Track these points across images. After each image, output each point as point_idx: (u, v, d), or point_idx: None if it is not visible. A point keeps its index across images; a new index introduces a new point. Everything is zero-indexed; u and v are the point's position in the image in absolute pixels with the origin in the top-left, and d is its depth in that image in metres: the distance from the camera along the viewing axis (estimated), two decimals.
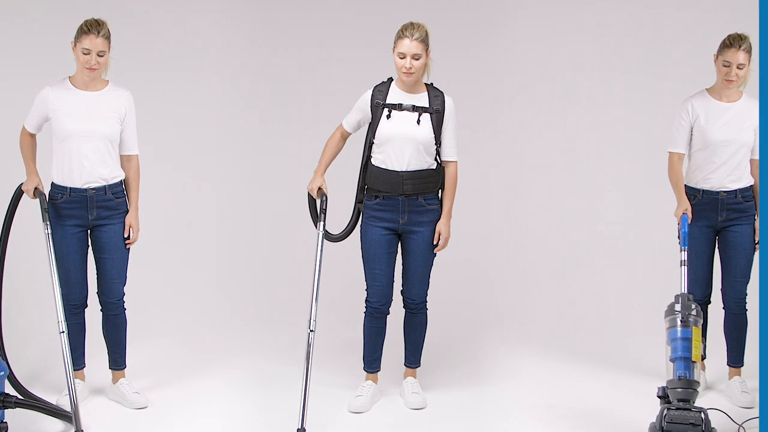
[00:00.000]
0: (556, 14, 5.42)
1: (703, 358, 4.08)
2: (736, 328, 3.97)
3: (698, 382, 3.37)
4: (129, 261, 3.83)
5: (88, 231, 3.76)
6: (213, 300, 5.19)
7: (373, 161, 3.79)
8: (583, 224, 5.39)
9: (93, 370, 3.97)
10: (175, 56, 5.29)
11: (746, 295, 3.94)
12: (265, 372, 4.28)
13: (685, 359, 3.37)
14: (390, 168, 3.74)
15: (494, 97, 5.44)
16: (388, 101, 3.74)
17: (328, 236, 3.84)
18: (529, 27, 5.44)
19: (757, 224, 3.90)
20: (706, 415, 3.24)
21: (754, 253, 3.92)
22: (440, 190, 3.85)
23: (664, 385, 3.40)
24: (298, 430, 3.41)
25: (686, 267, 3.71)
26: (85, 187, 3.68)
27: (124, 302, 3.86)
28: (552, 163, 5.45)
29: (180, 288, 5.16)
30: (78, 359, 3.80)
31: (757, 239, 3.90)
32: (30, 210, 3.75)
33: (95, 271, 3.82)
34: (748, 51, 3.77)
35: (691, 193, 3.93)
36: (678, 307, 3.47)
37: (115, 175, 3.75)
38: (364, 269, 3.84)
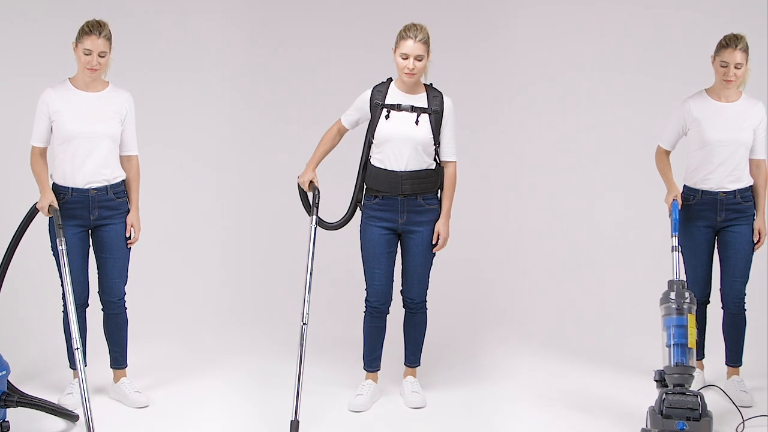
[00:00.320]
0: (556, 14, 5.41)
1: (702, 357, 4.13)
2: (735, 328, 3.98)
3: (693, 368, 3.48)
4: (130, 260, 3.85)
5: (90, 231, 3.78)
6: (214, 299, 5.20)
7: (372, 161, 3.80)
8: (583, 224, 5.40)
9: (94, 370, 3.97)
10: (175, 56, 5.29)
11: (745, 295, 3.95)
12: (265, 371, 4.29)
13: (681, 345, 3.47)
14: (389, 168, 3.75)
15: (494, 97, 5.43)
16: (387, 101, 3.75)
17: (323, 224, 3.85)
18: (529, 27, 5.43)
19: (756, 224, 3.91)
20: (703, 399, 3.38)
21: (752, 254, 3.93)
22: (439, 190, 3.86)
23: (661, 369, 3.50)
24: (291, 421, 3.44)
25: (678, 252, 3.79)
26: (87, 187, 3.69)
27: (125, 301, 3.87)
28: (552, 163, 5.45)
29: (181, 287, 5.17)
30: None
31: (755, 239, 3.91)
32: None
33: (96, 271, 3.83)
34: (745, 50, 3.78)
35: (690, 193, 3.94)
36: (673, 295, 3.57)
37: (117, 175, 3.76)
38: (364, 269, 3.85)
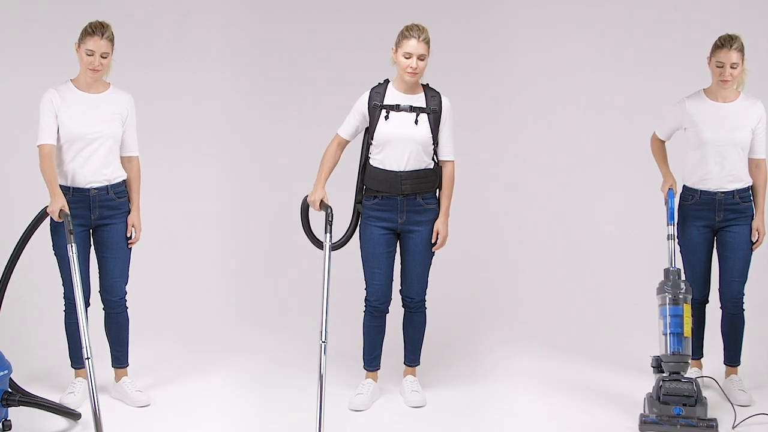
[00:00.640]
0: (556, 14, 5.42)
1: (701, 357, 4.14)
2: (733, 327, 3.99)
3: (689, 355, 3.65)
4: (131, 260, 3.86)
5: (91, 230, 3.79)
6: (214, 299, 5.21)
7: (371, 162, 3.81)
8: (583, 224, 5.41)
9: (96, 369, 3.97)
10: (174, 57, 5.30)
11: (743, 295, 3.95)
12: (265, 370, 4.30)
13: (677, 335, 3.64)
14: (388, 168, 3.76)
15: (494, 97, 5.44)
16: (385, 102, 3.76)
17: (318, 243, 3.82)
18: (529, 27, 5.44)
19: (754, 224, 3.92)
20: (698, 385, 3.58)
21: (751, 254, 3.94)
22: (437, 190, 3.87)
23: (658, 355, 3.69)
24: None
25: (674, 241, 3.88)
26: (88, 187, 3.71)
27: (126, 301, 3.89)
28: (551, 163, 5.45)
29: (181, 287, 5.18)
30: (81, 358, 3.81)
31: (754, 239, 3.93)
32: (35, 212, 3.76)
33: (97, 270, 3.85)
34: (740, 50, 3.79)
35: (689, 193, 3.96)
36: (669, 284, 3.71)
37: (118, 175, 3.78)
38: (364, 269, 3.86)
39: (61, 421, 3.59)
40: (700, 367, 4.13)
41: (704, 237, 3.95)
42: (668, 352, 3.63)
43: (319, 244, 3.82)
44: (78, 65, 3.70)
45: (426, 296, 3.95)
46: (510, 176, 5.47)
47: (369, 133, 3.81)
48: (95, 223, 3.76)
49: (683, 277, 3.84)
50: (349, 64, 5.32)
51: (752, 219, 3.92)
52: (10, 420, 3.46)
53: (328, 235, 3.65)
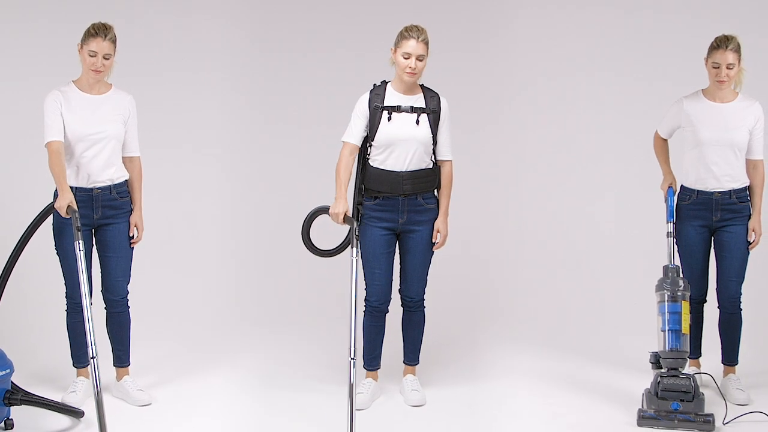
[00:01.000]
0: (556, 14, 5.42)
1: (699, 356, 4.16)
2: (731, 327, 4.01)
3: (687, 352, 3.71)
4: (133, 259, 3.88)
5: (93, 230, 3.81)
6: (216, 298, 5.22)
7: (372, 162, 3.82)
8: (582, 223, 5.41)
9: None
10: (175, 57, 5.29)
11: (740, 294, 3.97)
12: (266, 370, 4.31)
13: (676, 331, 3.69)
14: (390, 169, 3.78)
15: (494, 97, 5.44)
16: (386, 104, 3.77)
17: (319, 253, 3.83)
18: (529, 27, 5.44)
19: (750, 224, 3.93)
20: (695, 381, 3.65)
21: (748, 254, 3.95)
22: (436, 190, 3.89)
23: (656, 351, 3.73)
24: None
25: (672, 239, 3.91)
26: (91, 186, 3.73)
27: (128, 300, 3.91)
28: (551, 163, 5.46)
29: (183, 286, 5.19)
30: (83, 357, 3.84)
31: (750, 240, 3.94)
32: (36, 212, 3.78)
33: (99, 270, 3.87)
34: (737, 51, 3.80)
35: (686, 193, 3.97)
36: (667, 282, 3.76)
37: (120, 175, 3.80)
38: (364, 269, 3.86)
39: (63, 420, 3.60)
40: (698, 366, 4.14)
41: (701, 237, 3.96)
42: (666, 348, 3.68)
43: (317, 252, 3.83)
44: (80, 66, 3.72)
45: (425, 296, 3.97)
46: (510, 176, 5.47)
47: (369, 134, 3.82)
48: (98, 223, 3.78)
49: (681, 275, 3.87)
50: (349, 64, 5.32)
51: (749, 219, 3.93)
52: (12, 419, 3.48)
53: (355, 249, 3.54)
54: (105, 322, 3.91)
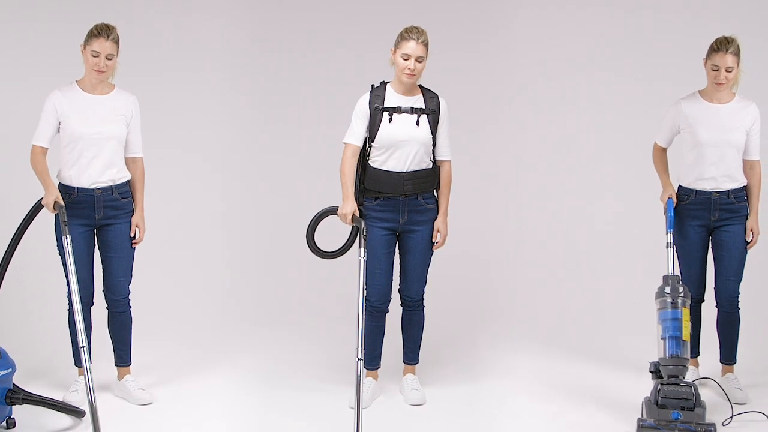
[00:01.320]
0: (556, 14, 5.42)
1: (697, 355, 4.16)
2: (729, 326, 4.02)
3: (687, 359, 3.58)
4: (134, 260, 3.89)
5: (95, 230, 3.82)
6: (217, 298, 5.22)
7: (372, 163, 3.83)
8: (582, 224, 5.41)
9: (99, 367, 3.98)
10: (175, 57, 5.29)
11: (739, 293, 3.98)
12: (267, 369, 4.33)
13: (676, 338, 3.57)
14: (390, 169, 3.79)
15: (494, 97, 5.44)
16: (386, 105, 3.79)
17: (322, 254, 3.85)
18: (529, 27, 5.44)
19: (748, 223, 3.94)
20: (696, 389, 3.50)
21: (746, 253, 3.96)
22: (435, 190, 3.89)
23: (656, 360, 3.60)
24: None
25: (672, 249, 3.86)
26: (92, 187, 3.74)
27: (129, 300, 3.92)
28: (551, 163, 5.46)
29: (184, 286, 5.19)
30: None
31: (748, 239, 3.95)
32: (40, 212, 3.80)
33: (101, 270, 3.88)
34: (736, 54, 3.81)
35: (684, 193, 3.98)
36: (668, 289, 3.66)
37: (122, 175, 3.81)
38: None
39: (64, 419, 3.62)
40: (696, 365, 4.15)
41: (700, 236, 3.98)
42: (666, 355, 3.56)
43: (321, 254, 3.84)
44: (82, 67, 3.73)
45: (425, 295, 3.98)
46: (510, 176, 5.47)
47: (369, 135, 3.83)
48: (99, 223, 3.80)
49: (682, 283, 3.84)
50: (349, 64, 5.32)
51: (747, 219, 3.94)
52: (14, 418, 3.49)
53: (362, 249, 3.58)
54: (107, 322, 3.92)
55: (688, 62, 4.31)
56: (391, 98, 3.80)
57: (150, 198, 3.94)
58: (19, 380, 3.58)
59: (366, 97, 3.82)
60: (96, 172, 3.73)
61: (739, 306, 4.00)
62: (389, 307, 3.95)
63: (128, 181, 3.84)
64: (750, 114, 3.92)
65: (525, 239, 5.46)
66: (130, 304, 3.93)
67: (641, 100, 5.25)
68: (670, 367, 3.54)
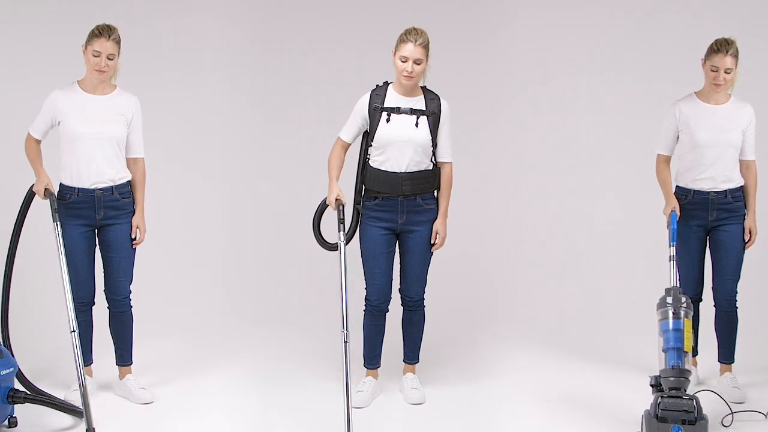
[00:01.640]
0: (556, 14, 5.42)
1: (695, 354, 4.17)
2: (727, 325, 4.03)
3: (689, 371, 3.45)
4: (135, 260, 3.90)
5: (96, 230, 3.83)
6: (217, 298, 5.23)
7: (372, 163, 3.84)
8: (582, 223, 5.41)
9: (100, 367, 4.03)
10: (174, 57, 5.29)
11: (736, 293, 4.00)
12: (267, 369, 4.34)
13: (677, 349, 3.45)
14: (389, 170, 3.80)
15: (494, 97, 5.44)
16: (386, 105, 3.79)
17: (326, 245, 3.87)
18: (529, 27, 5.44)
19: (746, 223, 3.95)
20: (698, 402, 3.35)
21: (744, 253, 3.97)
22: (435, 191, 3.90)
23: (657, 374, 3.48)
24: None
25: (674, 262, 3.80)
26: (93, 187, 3.75)
27: (130, 300, 3.93)
28: (551, 163, 5.46)
29: (185, 286, 5.20)
30: (86, 356, 3.86)
31: (746, 238, 3.96)
32: (39, 209, 3.81)
33: (102, 270, 3.88)
34: (735, 56, 3.82)
35: (682, 193, 3.99)
36: (669, 299, 3.56)
37: (122, 176, 3.82)
38: (364, 269, 3.89)
39: (66, 419, 3.62)
40: (694, 365, 4.16)
41: (697, 236, 3.99)
42: (667, 366, 3.43)
43: (327, 247, 3.86)
44: (83, 67, 3.74)
45: (425, 295, 3.99)
46: (510, 176, 5.47)
47: (369, 135, 3.84)
48: (100, 224, 3.81)
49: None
50: (349, 64, 5.32)
51: (744, 218, 3.96)
52: (15, 417, 3.50)
53: (341, 233, 3.66)
54: (108, 322, 3.93)
55: (688, 62, 4.31)
56: (392, 98, 3.81)
57: (150, 198, 3.95)
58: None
59: (366, 97, 3.83)
60: (96, 173, 3.74)
61: (737, 305, 4.01)
62: (389, 307, 3.96)
63: (129, 181, 3.85)
64: (746, 115, 3.93)
65: (525, 239, 5.47)
66: (131, 304, 3.94)
67: (641, 100, 5.25)
68: (671, 378, 3.39)
